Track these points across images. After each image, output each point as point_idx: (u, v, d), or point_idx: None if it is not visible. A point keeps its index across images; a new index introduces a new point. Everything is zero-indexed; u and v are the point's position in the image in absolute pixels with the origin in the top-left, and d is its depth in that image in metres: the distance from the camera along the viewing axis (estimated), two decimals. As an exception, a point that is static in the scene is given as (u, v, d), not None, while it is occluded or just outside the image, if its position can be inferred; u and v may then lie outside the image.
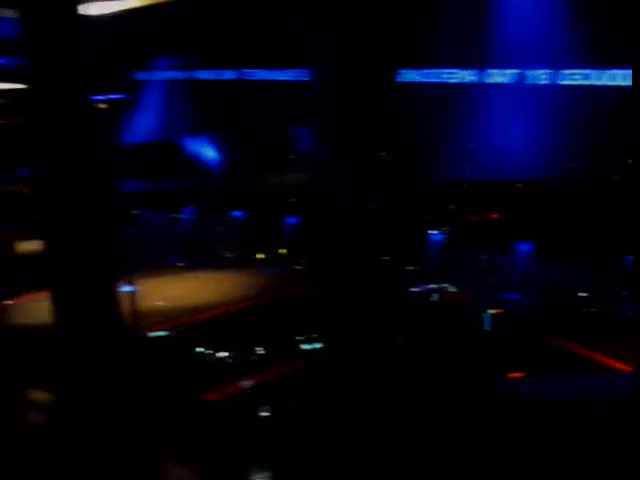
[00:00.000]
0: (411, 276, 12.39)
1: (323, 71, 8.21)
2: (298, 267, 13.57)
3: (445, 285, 12.05)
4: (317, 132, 8.82)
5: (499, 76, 15.21)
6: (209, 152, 19.50)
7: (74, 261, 8.03)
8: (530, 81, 14.86)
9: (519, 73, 14.99)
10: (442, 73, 15.86)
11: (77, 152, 7.89)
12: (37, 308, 10.65)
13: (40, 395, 8.57)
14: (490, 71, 15.26)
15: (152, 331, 10.53)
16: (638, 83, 9.48)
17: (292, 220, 15.09)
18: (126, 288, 10.78)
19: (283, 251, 14.45)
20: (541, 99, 14.62)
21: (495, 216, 14.21)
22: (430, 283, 12.08)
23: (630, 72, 11.49)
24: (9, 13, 12.56)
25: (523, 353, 9.13)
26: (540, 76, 14.70)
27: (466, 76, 15.61)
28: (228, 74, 19.39)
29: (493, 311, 10.52)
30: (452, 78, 15.77)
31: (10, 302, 11.59)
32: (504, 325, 10.24)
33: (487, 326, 10.34)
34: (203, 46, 18.74)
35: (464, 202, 14.63)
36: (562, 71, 14.33)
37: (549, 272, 11.53)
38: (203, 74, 19.80)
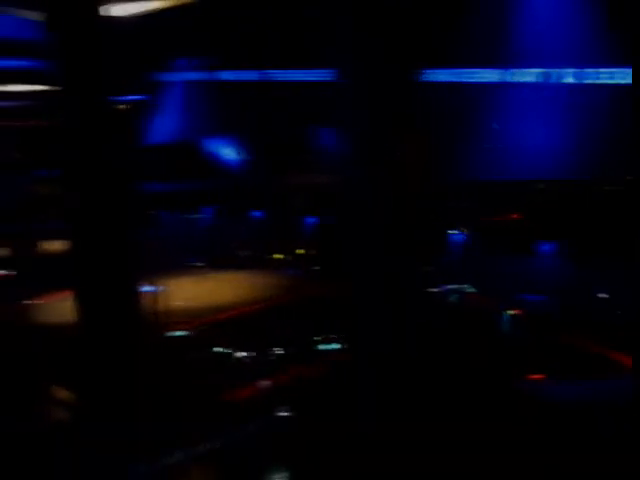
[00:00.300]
0: (431, 277, 12.35)
1: (350, 71, 8.22)
2: (316, 268, 13.60)
3: (465, 286, 12.00)
4: (341, 132, 8.83)
5: (523, 75, 15.09)
6: (228, 153, 19.57)
7: (96, 260, 8.11)
8: (554, 80, 14.74)
9: (543, 73, 14.88)
10: (467, 72, 15.76)
11: (98, 153, 7.97)
12: (60, 308, 10.78)
13: (62, 393, 8.65)
14: (514, 70, 15.14)
15: (172, 330, 10.60)
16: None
17: (311, 220, 15.13)
18: (147, 288, 10.85)
19: (301, 251, 14.47)
20: (564, 99, 14.51)
21: (515, 216, 14.13)
22: (450, 284, 12.03)
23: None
24: (32, 15, 12.70)
25: (544, 354, 9.07)
26: (564, 75, 14.56)
27: (491, 75, 15.50)
28: (248, 75, 19.44)
29: (513, 312, 10.46)
30: (477, 78, 15.66)
31: (34, 302, 11.74)
32: (525, 326, 10.18)
33: (507, 327, 10.27)
34: (222, 47, 18.80)
35: (485, 202, 14.56)
36: (587, 70, 14.18)
37: (570, 272, 11.45)
38: (223, 75, 19.87)
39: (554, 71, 14.74)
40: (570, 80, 14.61)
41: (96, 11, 8.04)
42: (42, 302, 11.77)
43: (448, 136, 15.10)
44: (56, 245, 13.64)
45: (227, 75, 19.73)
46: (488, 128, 15.12)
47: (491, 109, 15.19)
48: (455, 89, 15.90)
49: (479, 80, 15.67)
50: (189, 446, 7.12)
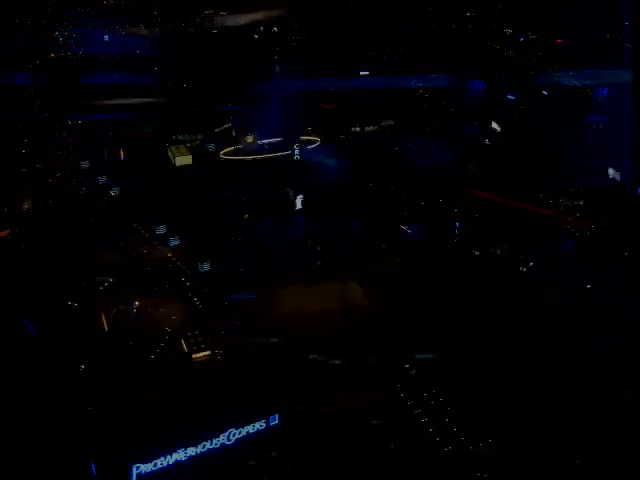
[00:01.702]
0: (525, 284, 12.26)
1: (462, 80, 8.35)
2: (413, 278, 13.62)
3: (553, 295, 11.94)
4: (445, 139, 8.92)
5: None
6: (326, 160, 19.63)
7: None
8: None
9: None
10: (600, 74, 14.98)
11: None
12: (156, 313, 11.31)
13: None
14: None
15: (267, 337, 10.88)
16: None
17: (408, 229, 15.23)
18: (243, 295, 11.27)
19: (397, 260, 14.45)
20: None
21: (606, 224, 13.87)
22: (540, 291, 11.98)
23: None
24: (144, 32, 13.26)
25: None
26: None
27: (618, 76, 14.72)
28: (347, 83, 19.49)
29: (604, 322, 10.38)
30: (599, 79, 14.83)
31: (130, 307, 12.26)
32: (618, 338, 10.08)
33: (600, 338, 10.19)
34: (321, 56, 18.95)
35: (587, 209, 14.27)
36: None
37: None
38: (320, 84, 19.96)
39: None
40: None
41: (205, 26, 8.42)
42: (139, 307, 12.25)
43: (556, 141, 14.75)
44: (157, 253, 14.17)
45: (325, 84, 19.83)
46: (595, 133, 14.68)
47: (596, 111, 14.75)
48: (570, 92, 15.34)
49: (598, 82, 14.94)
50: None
